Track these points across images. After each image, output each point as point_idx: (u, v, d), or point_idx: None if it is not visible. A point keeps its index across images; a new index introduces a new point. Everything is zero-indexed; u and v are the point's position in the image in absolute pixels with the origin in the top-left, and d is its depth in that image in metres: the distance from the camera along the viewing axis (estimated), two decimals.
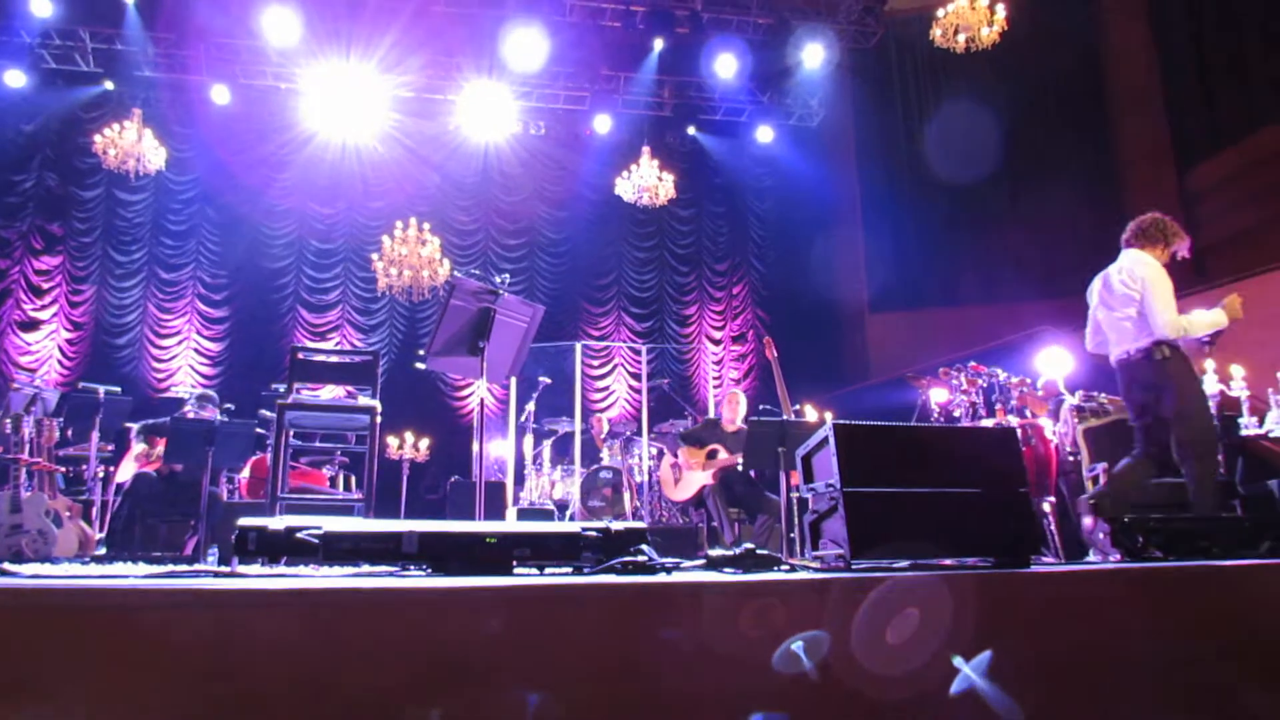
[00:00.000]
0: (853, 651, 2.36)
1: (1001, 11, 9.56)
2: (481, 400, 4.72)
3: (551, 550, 2.75)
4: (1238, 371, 5.96)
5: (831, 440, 3.20)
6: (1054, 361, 7.09)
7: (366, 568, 2.69)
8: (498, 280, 4.83)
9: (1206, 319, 4.72)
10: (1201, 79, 13.83)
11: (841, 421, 3.28)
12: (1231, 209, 13.48)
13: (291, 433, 5.45)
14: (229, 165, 13.12)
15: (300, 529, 2.61)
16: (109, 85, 12.52)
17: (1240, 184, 13.25)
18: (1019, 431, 5.81)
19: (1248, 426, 5.86)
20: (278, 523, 2.61)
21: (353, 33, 12.45)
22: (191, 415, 6.85)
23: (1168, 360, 4.62)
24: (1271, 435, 5.83)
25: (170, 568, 2.97)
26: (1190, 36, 13.92)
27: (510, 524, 3.19)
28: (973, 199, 15.06)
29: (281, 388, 5.49)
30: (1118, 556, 3.80)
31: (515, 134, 13.84)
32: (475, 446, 4.56)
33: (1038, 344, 8.25)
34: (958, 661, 2.54)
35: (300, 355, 5.36)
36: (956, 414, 6.54)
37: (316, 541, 2.58)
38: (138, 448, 6.85)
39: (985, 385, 6.52)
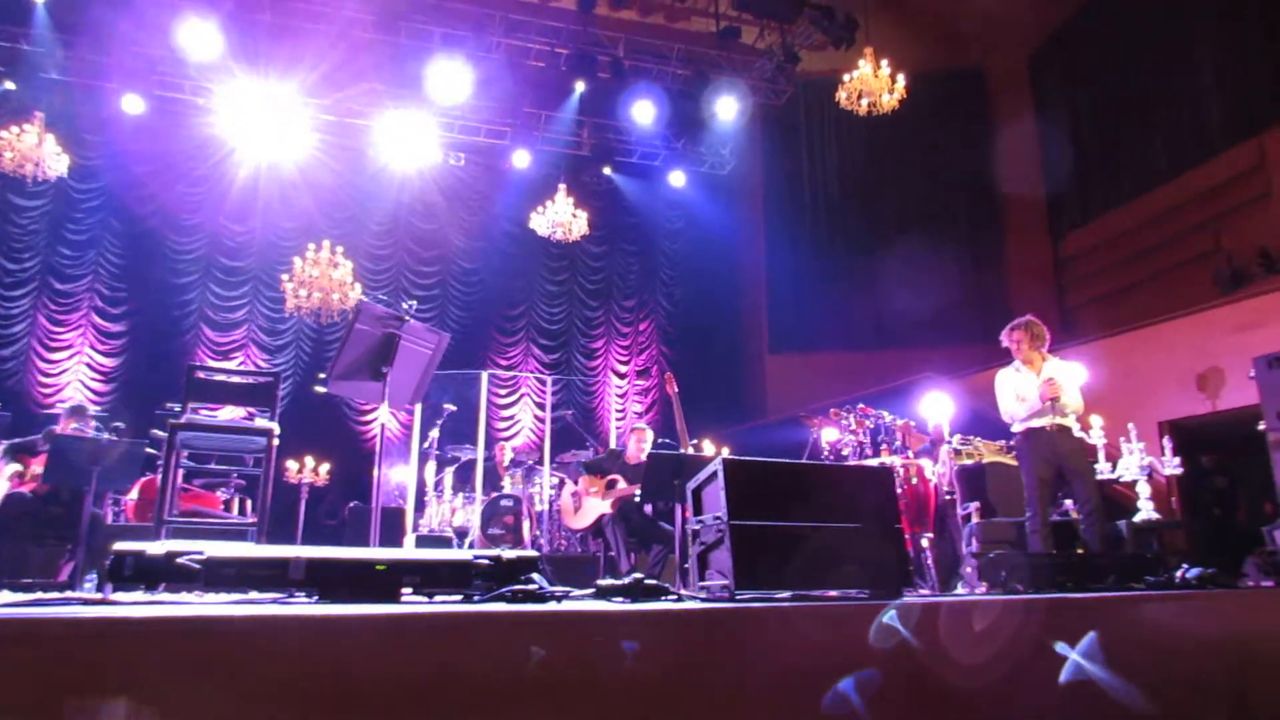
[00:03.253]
0: (736, 680, 2.38)
1: (902, 81, 10.05)
2: (383, 425, 4.61)
3: (442, 578, 2.70)
4: (1096, 421, 6.35)
5: (720, 475, 3.24)
6: (936, 405, 7.38)
7: (253, 594, 2.57)
8: (405, 306, 4.75)
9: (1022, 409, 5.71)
10: (1077, 159, 14.77)
11: (730, 457, 3.33)
12: (1098, 274, 14.42)
13: (185, 454, 5.17)
14: (138, 176, 12.55)
15: (182, 554, 2.47)
16: (10, 85, 11.72)
17: (1105, 253, 14.19)
18: (901, 471, 6.09)
19: (1102, 471, 6.28)
20: (158, 547, 2.49)
21: (275, 52, 12.10)
22: (64, 430, 6.38)
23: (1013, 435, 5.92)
24: (1122, 480, 6.23)
25: (38, 595, 2.73)
26: (1069, 120, 14.93)
27: (401, 551, 3.12)
28: (869, 250, 15.67)
29: (177, 407, 5.17)
30: (983, 588, 4.00)
31: (435, 164, 13.69)
32: (376, 472, 4.42)
33: (922, 389, 8.66)
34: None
35: (199, 374, 5.12)
36: (845, 452, 6.65)
37: (198, 567, 2.44)
38: (8, 467, 6.34)
39: (872, 426, 6.63)
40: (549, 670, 2.05)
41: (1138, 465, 6.30)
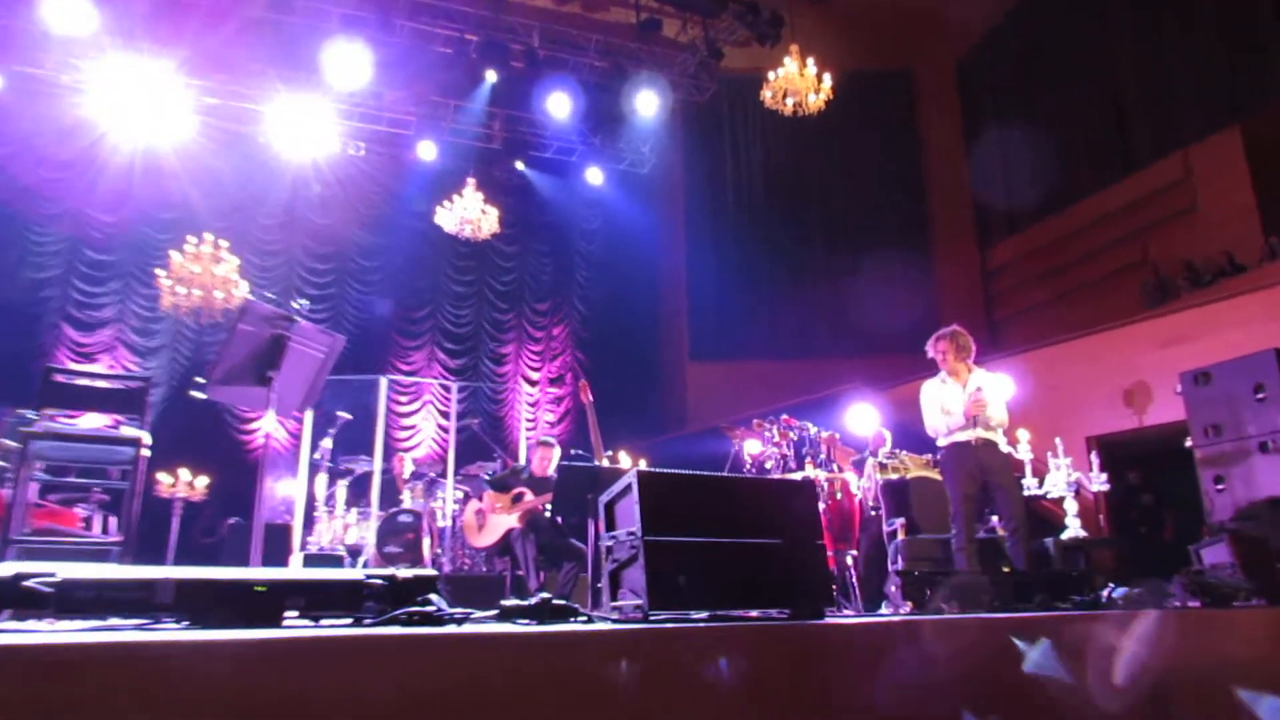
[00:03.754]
0: (648, 706, 2.36)
1: (828, 81, 10.23)
2: (268, 435, 4.46)
3: (330, 600, 2.61)
4: (1023, 435, 6.55)
5: (634, 487, 3.22)
6: (862, 418, 7.64)
7: (114, 621, 2.42)
8: (296, 305, 4.60)
9: (947, 423, 5.93)
10: (1005, 168, 15.34)
11: (645, 469, 3.32)
12: (1026, 285, 14.99)
13: (40, 466, 4.96)
14: None
15: (31, 576, 2.34)
16: None
17: (1033, 263, 14.75)
18: (825, 485, 6.22)
19: (1029, 488, 6.46)
20: (4, 569, 2.36)
21: (153, 28, 11.61)
22: None
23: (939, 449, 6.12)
24: (1049, 496, 6.46)
25: None
26: (997, 127, 15.44)
27: (285, 571, 3.01)
28: (794, 256, 16.00)
29: (31, 414, 4.94)
30: (908, 608, 4.05)
31: (333, 154, 13.37)
32: (260, 485, 4.25)
33: (848, 400, 8.88)
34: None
35: (56, 377, 4.91)
36: (769, 465, 6.75)
37: (50, 590, 2.30)
38: None
39: (796, 438, 6.73)
40: (445, 699, 1.99)
41: (1065, 481, 6.49)
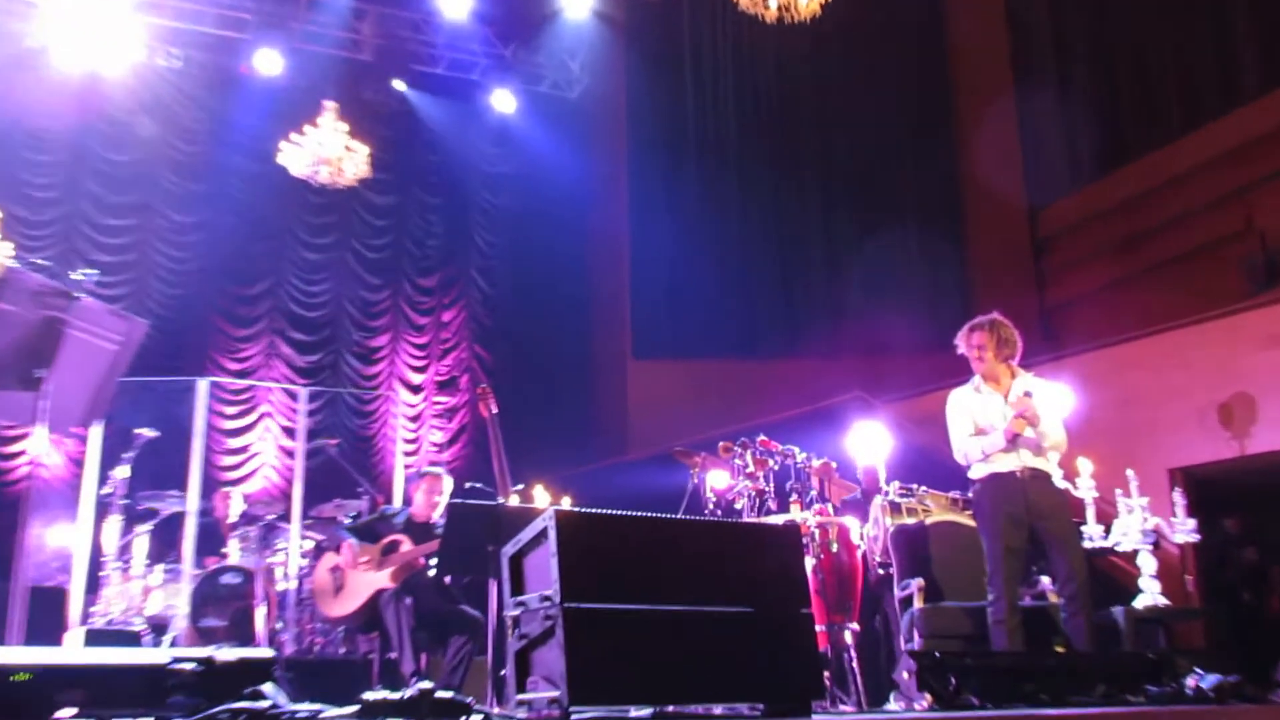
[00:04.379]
0: None
1: None
2: (35, 460, 4.36)
3: (120, 693, 2.62)
4: (1085, 467, 6.50)
5: (552, 534, 3.23)
6: (867, 439, 7.63)
7: None
8: (78, 277, 4.51)
9: (981, 446, 5.93)
10: (1063, 103, 15.44)
11: (567, 509, 3.31)
12: (1085, 262, 15.09)
13: None
14: None
15: None
16: None
17: (1097, 230, 14.89)
18: (817, 532, 6.18)
19: (1092, 538, 6.42)
20: None
21: None
22: None
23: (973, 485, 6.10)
24: (1119, 549, 6.55)
25: None
26: (1055, 51, 15.51)
27: (59, 653, 2.94)
28: (778, 219, 15.92)
29: None
30: (925, 702, 4.06)
31: (136, 64, 12.81)
32: (23, 532, 4.15)
33: (848, 415, 8.90)
34: None
35: None
36: (739, 505, 6.66)
37: None
38: None
39: (777, 467, 6.69)
40: None
41: (1139, 529, 6.43)
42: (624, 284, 16.08)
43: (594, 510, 3.31)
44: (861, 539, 6.63)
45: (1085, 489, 6.50)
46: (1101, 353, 10.84)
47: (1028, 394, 5.75)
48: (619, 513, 3.36)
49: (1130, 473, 6.64)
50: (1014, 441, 5.70)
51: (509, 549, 3.58)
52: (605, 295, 16.37)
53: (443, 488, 7.36)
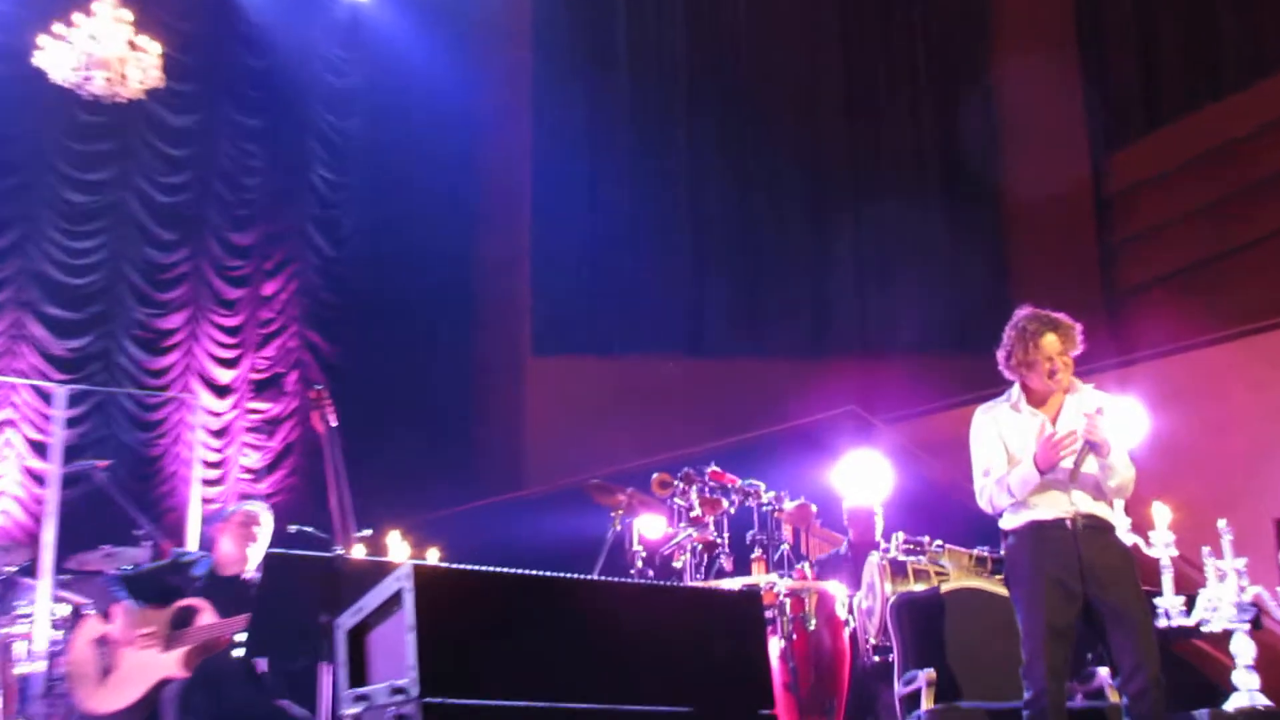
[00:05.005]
0: None
1: None
2: None
3: None
4: (1161, 517, 6.23)
5: (408, 600, 3.29)
6: (860, 473, 7.71)
7: None
8: None
9: (1015, 478, 5.82)
10: (1140, 20, 15.49)
11: (431, 564, 3.21)
12: (1169, 230, 15.02)
13: None
14: None
15: None
16: None
17: (1184, 188, 14.86)
18: (788, 602, 6.29)
19: (1168, 614, 6.25)
20: None
21: None
22: None
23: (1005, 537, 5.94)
24: (1206, 629, 6.30)
25: None
26: None
27: None
28: (744, 172, 15.52)
29: None
30: None
31: None
32: None
33: (839, 439, 8.84)
34: None
35: None
36: (678, 563, 6.74)
37: None
38: None
39: (734, 511, 6.80)
40: None
41: (1233, 601, 6.24)
42: (523, 250, 15.28)
43: (471, 568, 3.39)
44: (850, 612, 6.70)
45: (1161, 546, 6.21)
46: (1187, 358, 10.72)
47: (1098, 411, 5.54)
48: (506, 570, 3.49)
49: (1223, 524, 6.35)
50: (1067, 478, 5.52)
51: (348, 619, 3.66)
52: (496, 265, 15.51)
53: (261, 530, 7.11)
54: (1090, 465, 5.58)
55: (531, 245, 14.93)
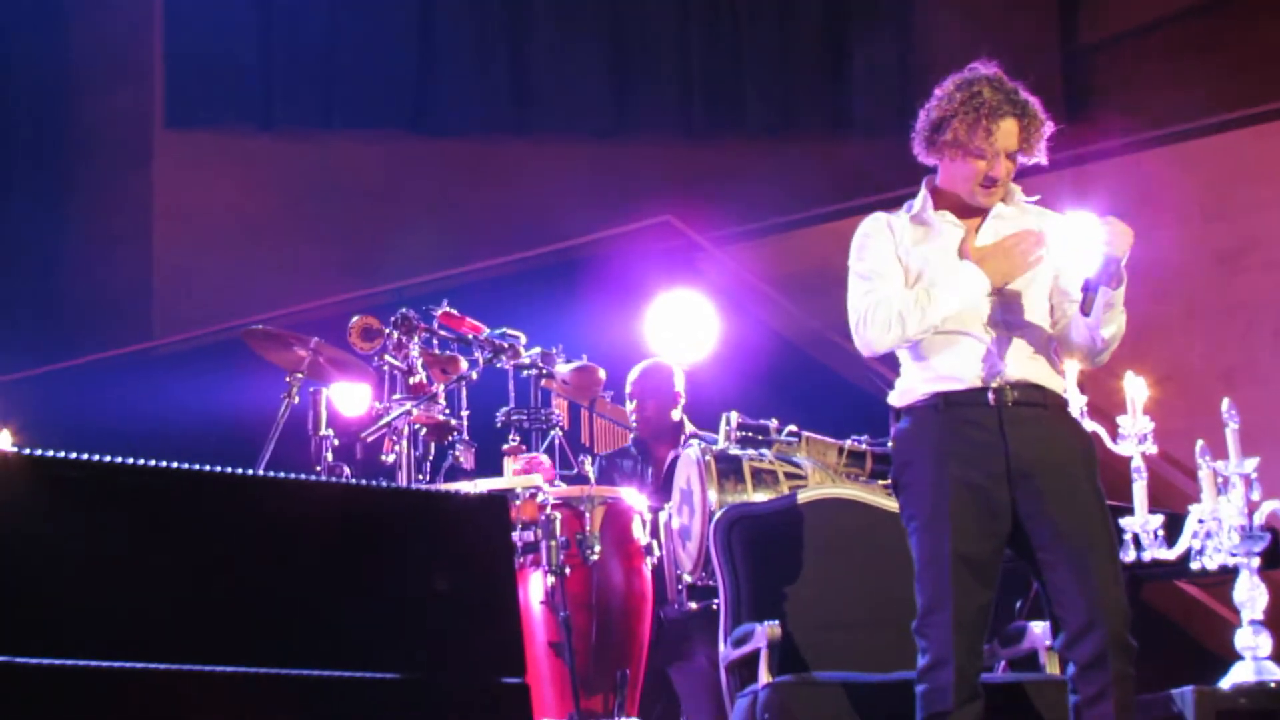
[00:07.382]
0: None
1: None
2: None
3: None
4: (1135, 391, 5.02)
5: None
6: (676, 321, 7.51)
7: None
8: None
9: (933, 295, 4.62)
10: None
11: None
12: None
13: None
14: None
15: None
16: None
17: None
18: (556, 519, 5.57)
19: (1141, 542, 5.09)
20: None
21: None
22: None
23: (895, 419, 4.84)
24: (1200, 566, 5.30)
25: None
26: None
27: None
28: None
29: None
30: None
31: None
32: None
33: (647, 267, 7.92)
34: None
35: None
36: (389, 456, 5.90)
37: None
38: None
39: (476, 376, 6.00)
40: None
41: (1238, 523, 5.02)
42: None
43: (53, 454, 2.86)
44: (654, 535, 5.85)
45: (1132, 438, 5.11)
46: (1178, 149, 9.52)
47: (1033, 234, 4.54)
48: (116, 460, 2.91)
49: (1226, 404, 5.03)
50: (989, 322, 4.39)
51: None
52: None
53: None
54: (1036, 302, 4.54)
55: None
